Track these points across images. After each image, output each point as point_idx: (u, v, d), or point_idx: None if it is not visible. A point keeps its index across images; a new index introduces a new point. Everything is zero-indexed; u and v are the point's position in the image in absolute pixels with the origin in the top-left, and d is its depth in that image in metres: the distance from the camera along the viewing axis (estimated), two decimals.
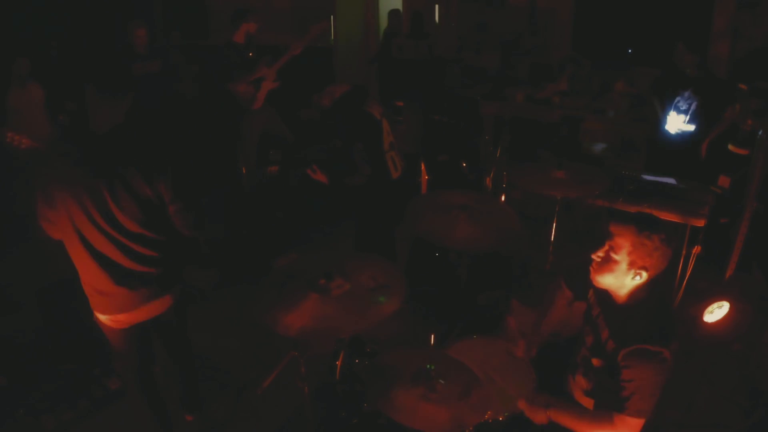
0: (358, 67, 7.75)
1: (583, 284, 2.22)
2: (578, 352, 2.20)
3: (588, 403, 2.14)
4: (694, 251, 3.39)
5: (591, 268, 2.01)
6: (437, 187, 4.79)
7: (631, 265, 1.89)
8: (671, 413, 2.96)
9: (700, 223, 3.34)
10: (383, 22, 7.77)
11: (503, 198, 4.09)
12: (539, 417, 2.07)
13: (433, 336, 2.47)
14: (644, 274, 1.90)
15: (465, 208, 2.68)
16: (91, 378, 3.18)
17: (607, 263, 1.94)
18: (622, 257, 1.90)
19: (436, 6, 6.76)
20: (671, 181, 3.67)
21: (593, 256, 1.99)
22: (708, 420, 2.99)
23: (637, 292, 1.96)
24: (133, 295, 2.35)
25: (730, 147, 3.93)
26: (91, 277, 2.32)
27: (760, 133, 3.45)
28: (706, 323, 3.33)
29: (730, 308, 3.30)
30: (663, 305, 2.01)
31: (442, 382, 1.97)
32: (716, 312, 3.31)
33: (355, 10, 7.67)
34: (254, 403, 3.11)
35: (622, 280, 1.94)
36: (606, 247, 1.95)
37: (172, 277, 2.47)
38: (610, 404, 1.93)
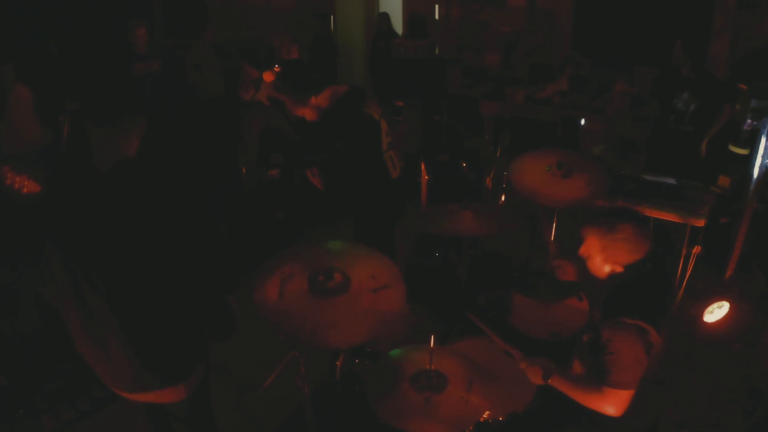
0: (358, 67, 7.75)
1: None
2: (578, 343, 2.25)
3: None
4: (694, 251, 3.40)
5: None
6: (437, 186, 4.78)
7: (605, 261, 2.05)
8: (671, 413, 2.96)
9: (700, 223, 3.35)
10: None
11: (503, 198, 4.09)
12: (536, 378, 2.10)
13: (433, 336, 2.47)
14: (620, 267, 2.04)
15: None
16: (91, 378, 3.17)
17: (587, 260, 2.11)
18: (595, 256, 2.06)
19: (436, 6, 6.76)
20: (671, 181, 3.67)
21: (579, 254, 2.15)
22: (708, 420, 3.00)
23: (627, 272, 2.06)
24: (126, 378, 1.95)
25: (731, 147, 3.92)
26: (82, 347, 1.95)
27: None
28: (706, 323, 3.33)
29: (730, 308, 3.30)
30: (654, 282, 2.06)
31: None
32: (716, 312, 3.31)
33: (355, 10, 7.67)
34: (254, 403, 3.11)
35: (604, 271, 2.08)
36: (582, 248, 2.12)
37: (180, 366, 1.98)
38: (598, 376, 1.97)
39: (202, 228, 1.90)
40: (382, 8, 7.72)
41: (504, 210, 2.94)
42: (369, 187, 3.22)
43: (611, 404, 1.91)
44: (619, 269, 2.04)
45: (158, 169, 1.85)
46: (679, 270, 3.48)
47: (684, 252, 3.42)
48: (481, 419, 2.13)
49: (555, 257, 2.73)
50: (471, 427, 2.11)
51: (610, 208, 2.13)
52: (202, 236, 1.90)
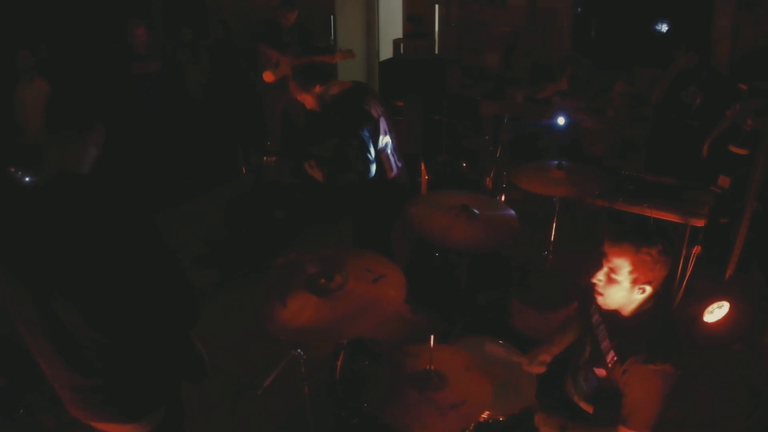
0: (358, 67, 7.76)
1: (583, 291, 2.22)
2: (579, 357, 2.20)
3: (587, 407, 2.14)
4: (694, 251, 3.40)
5: (595, 293, 1.99)
6: (437, 187, 4.79)
7: (635, 282, 1.87)
8: (671, 413, 2.96)
9: (700, 223, 3.35)
10: (383, 22, 7.77)
11: (503, 198, 4.09)
12: (553, 429, 2.04)
13: (433, 336, 2.47)
14: (648, 288, 1.89)
15: (465, 208, 2.68)
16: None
17: (610, 285, 1.92)
18: (623, 277, 1.88)
19: (436, 6, 6.76)
20: (671, 181, 3.68)
21: (594, 281, 1.97)
22: (708, 420, 2.99)
23: (643, 305, 1.95)
24: (84, 408, 1.79)
25: (731, 147, 3.92)
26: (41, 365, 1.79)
27: None
28: (706, 323, 3.33)
29: (730, 308, 3.30)
30: (666, 315, 1.99)
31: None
32: (716, 312, 3.31)
33: (355, 10, 7.66)
34: (254, 403, 3.11)
35: (627, 298, 1.92)
36: (605, 270, 1.92)
37: (138, 401, 1.79)
38: (614, 417, 1.92)
39: (153, 256, 1.66)
40: (382, 8, 7.72)
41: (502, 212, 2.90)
42: (366, 186, 3.22)
43: None
44: (647, 294, 1.91)
45: (105, 188, 1.63)
46: (679, 270, 3.48)
47: (684, 252, 3.42)
48: (481, 419, 2.13)
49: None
50: (471, 427, 2.11)
51: (636, 227, 1.94)
52: (153, 264, 1.66)
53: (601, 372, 2.02)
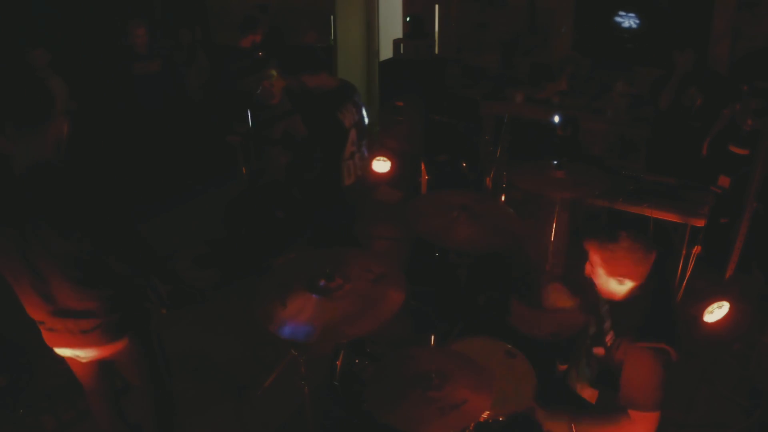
0: (358, 67, 7.76)
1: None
2: (581, 344, 2.23)
3: (590, 394, 2.15)
4: (694, 251, 3.40)
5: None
6: (437, 187, 4.79)
7: (610, 274, 2.00)
8: (671, 413, 2.96)
9: (700, 223, 3.35)
10: (383, 22, 7.77)
11: (503, 198, 4.09)
12: (561, 425, 2.05)
13: (433, 336, 2.47)
14: (627, 281, 1.99)
15: (465, 209, 2.68)
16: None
17: (595, 276, 2.07)
18: (599, 270, 2.02)
19: (436, 6, 6.76)
20: (671, 181, 3.68)
21: (585, 274, 2.12)
22: (708, 420, 3.00)
23: (636, 290, 2.02)
24: (73, 336, 2.14)
25: (731, 147, 3.92)
26: (30, 311, 2.15)
27: None
28: (706, 323, 3.33)
29: (730, 308, 3.30)
30: (663, 298, 2.05)
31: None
32: (716, 312, 3.31)
33: (355, 10, 7.66)
34: (254, 403, 3.11)
35: (612, 287, 2.03)
36: (587, 265, 2.08)
37: (118, 325, 2.18)
38: (618, 401, 1.94)
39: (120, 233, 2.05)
40: (382, 8, 7.72)
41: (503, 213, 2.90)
42: (321, 190, 3.26)
43: (642, 428, 1.89)
44: (629, 284, 2.00)
45: (78, 175, 1.95)
46: (679, 270, 3.48)
47: (684, 252, 3.42)
48: (481, 419, 2.13)
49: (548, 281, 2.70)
50: (471, 427, 2.11)
51: (610, 223, 2.12)
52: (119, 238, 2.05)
53: (599, 350, 2.05)
